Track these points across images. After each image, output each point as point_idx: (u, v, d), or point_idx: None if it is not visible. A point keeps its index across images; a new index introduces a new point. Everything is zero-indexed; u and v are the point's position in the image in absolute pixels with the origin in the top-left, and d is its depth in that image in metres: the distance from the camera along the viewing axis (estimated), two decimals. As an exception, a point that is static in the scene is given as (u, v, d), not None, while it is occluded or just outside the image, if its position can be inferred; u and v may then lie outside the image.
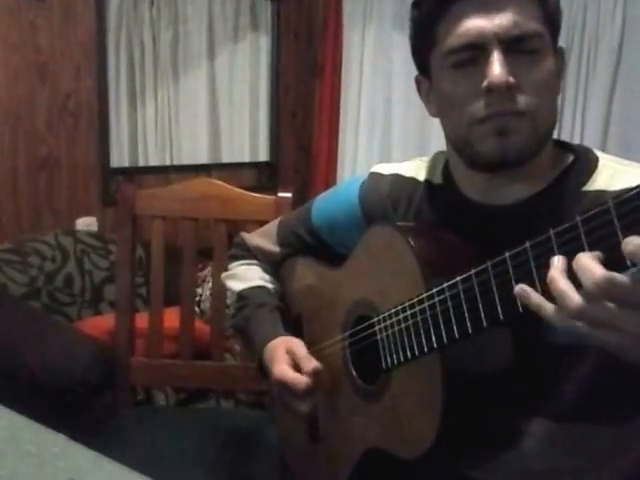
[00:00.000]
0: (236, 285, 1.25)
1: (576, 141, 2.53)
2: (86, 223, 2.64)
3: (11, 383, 1.65)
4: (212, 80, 3.00)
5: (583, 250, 0.61)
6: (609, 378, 0.78)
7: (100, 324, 2.15)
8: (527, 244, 0.67)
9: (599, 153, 0.90)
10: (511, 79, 0.80)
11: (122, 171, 2.75)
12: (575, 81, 2.52)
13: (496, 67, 0.80)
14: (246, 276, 1.26)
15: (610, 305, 0.60)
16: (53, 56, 2.49)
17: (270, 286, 1.25)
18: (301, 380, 1.00)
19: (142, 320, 1.71)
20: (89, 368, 1.75)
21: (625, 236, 0.57)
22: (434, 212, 0.96)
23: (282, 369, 1.03)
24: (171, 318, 1.73)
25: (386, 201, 1.02)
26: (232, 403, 2.12)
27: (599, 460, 0.87)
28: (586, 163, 0.88)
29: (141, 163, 2.83)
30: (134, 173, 2.79)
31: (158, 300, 1.68)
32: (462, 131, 0.86)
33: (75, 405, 1.74)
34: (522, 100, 0.82)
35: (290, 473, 1.36)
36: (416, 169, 1.02)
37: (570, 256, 0.62)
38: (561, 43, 2.61)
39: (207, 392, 2.11)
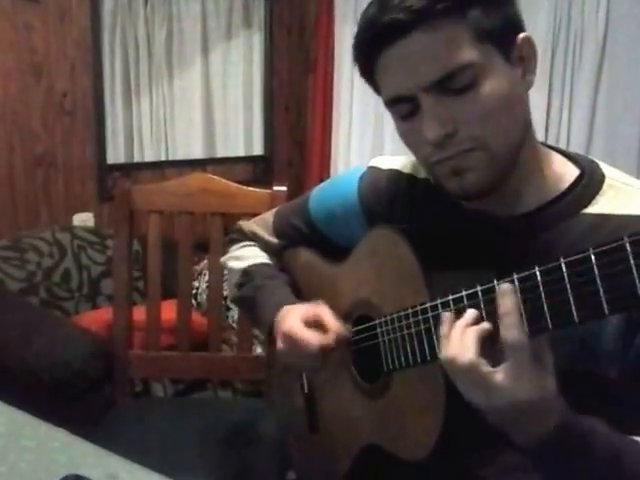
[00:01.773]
0: (239, 264, 1.21)
1: (563, 133, 2.55)
2: (83, 219, 2.65)
3: (9, 378, 1.66)
4: (206, 76, 3.01)
5: (594, 283, 0.61)
6: (599, 402, 0.77)
7: (98, 318, 2.16)
8: (536, 269, 0.66)
9: (606, 169, 0.85)
10: (444, 130, 0.78)
11: (118, 167, 2.75)
12: (561, 74, 2.53)
13: (427, 122, 0.78)
14: (249, 255, 1.23)
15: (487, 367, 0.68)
16: (48, 56, 2.49)
17: (272, 264, 1.22)
18: (313, 340, 0.96)
19: (140, 313, 1.71)
20: (87, 362, 1.75)
21: None
22: (430, 212, 0.94)
23: (294, 323, 0.99)
24: (168, 311, 1.73)
25: (385, 197, 1.00)
26: (230, 393, 2.13)
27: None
28: (591, 182, 0.83)
29: (137, 159, 2.83)
30: (130, 169, 2.80)
31: (155, 293, 1.68)
32: (425, 168, 0.87)
33: (74, 399, 1.75)
34: (467, 138, 0.78)
35: (289, 461, 1.36)
36: (415, 166, 0.99)
37: (578, 288, 0.62)
38: (547, 38, 2.62)
39: (205, 383, 2.12)
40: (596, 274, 0.60)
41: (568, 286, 0.63)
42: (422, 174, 0.98)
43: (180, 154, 2.96)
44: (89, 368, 1.75)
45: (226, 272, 1.32)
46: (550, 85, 2.55)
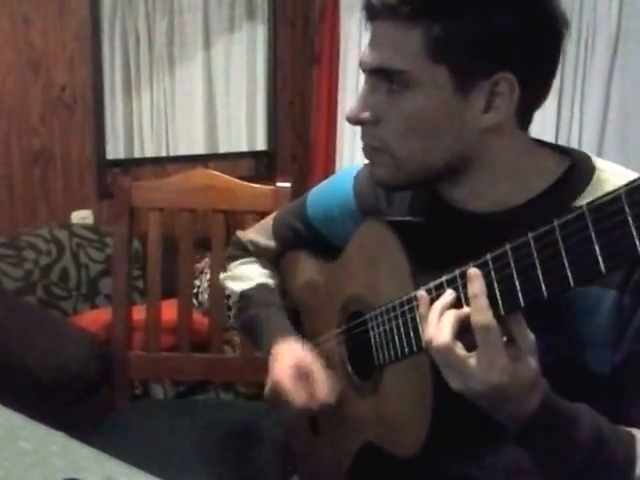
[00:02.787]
0: (237, 286, 1.23)
1: (574, 133, 2.53)
2: (81, 216, 2.63)
3: (7, 380, 1.64)
4: (208, 70, 2.99)
5: (560, 255, 0.62)
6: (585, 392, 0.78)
7: (97, 318, 2.15)
8: (507, 246, 0.68)
9: (598, 162, 0.85)
10: (361, 114, 0.83)
11: (118, 163, 2.74)
12: (573, 72, 2.51)
13: (356, 100, 0.84)
14: (246, 275, 1.24)
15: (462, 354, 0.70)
16: (46, 48, 2.48)
17: (271, 282, 1.23)
18: (298, 399, 0.99)
19: (140, 313, 1.71)
20: (86, 363, 1.74)
21: (600, 243, 0.59)
22: (422, 208, 0.95)
23: (284, 373, 1.01)
24: (169, 310, 1.73)
25: (380, 194, 1.00)
26: (231, 395, 2.12)
27: None
28: (581, 174, 0.83)
29: (137, 155, 2.81)
30: (130, 165, 2.78)
31: (155, 292, 1.67)
32: None
33: (72, 401, 1.74)
34: (379, 136, 0.83)
35: (291, 464, 1.35)
36: None
37: (545, 261, 0.64)
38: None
39: (206, 384, 2.11)
40: (560, 245, 0.62)
41: (536, 260, 0.65)
42: None
43: (181, 149, 2.95)
44: (88, 370, 1.75)
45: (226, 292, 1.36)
46: (561, 84, 2.53)
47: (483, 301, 0.68)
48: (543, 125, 2.47)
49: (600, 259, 0.59)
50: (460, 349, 0.70)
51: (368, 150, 0.86)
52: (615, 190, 0.58)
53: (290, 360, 1.03)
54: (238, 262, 1.27)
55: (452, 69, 0.77)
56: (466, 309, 0.71)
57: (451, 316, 0.71)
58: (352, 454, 1.01)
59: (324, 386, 0.99)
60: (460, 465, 0.90)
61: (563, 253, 0.62)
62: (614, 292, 0.78)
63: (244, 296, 1.20)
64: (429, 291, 0.76)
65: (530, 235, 0.65)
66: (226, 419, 1.60)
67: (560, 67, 2.63)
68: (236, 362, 1.70)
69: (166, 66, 2.84)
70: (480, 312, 0.68)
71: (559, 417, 0.72)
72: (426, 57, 0.77)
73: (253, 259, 1.27)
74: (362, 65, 0.84)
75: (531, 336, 0.70)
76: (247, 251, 1.27)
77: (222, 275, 1.30)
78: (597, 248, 0.59)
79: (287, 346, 1.06)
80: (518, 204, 0.84)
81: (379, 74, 0.81)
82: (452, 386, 0.72)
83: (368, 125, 0.83)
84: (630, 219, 0.56)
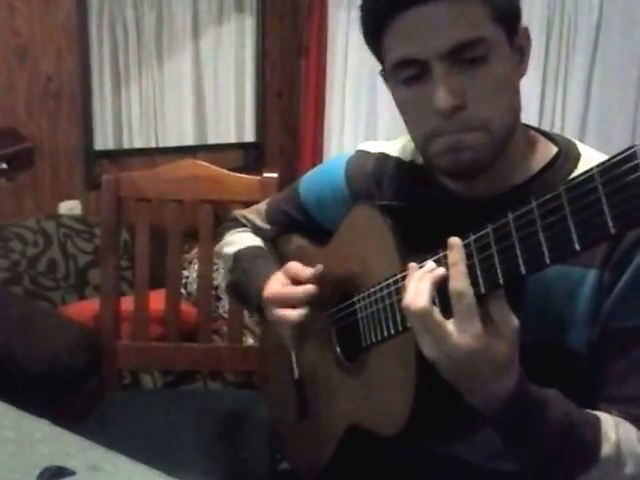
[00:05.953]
0: (231, 249, 1.23)
1: (557, 121, 2.54)
2: (69, 207, 2.62)
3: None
4: (197, 61, 2.98)
5: (537, 233, 0.63)
6: (561, 374, 0.80)
7: (85, 309, 2.13)
8: (489, 227, 0.69)
9: (583, 149, 0.88)
10: (455, 101, 0.78)
11: (106, 154, 2.72)
12: (556, 60, 2.52)
13: (438, 90, 0.78)
14: (240, 240, 1.25)
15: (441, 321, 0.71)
16: (33, 39, 2.45)
17: (263, 246, 1.24)
18: (296, 290, 1.00)
19: (128, 303, 1.70)
20: (74, 353, 1.74)
21: (575, 220, 0.60)
22: (414, 194, 0.96)
23: (276, 284, 1.03)
24: (158, 301, 1.72)
25: (371, 180, 1.02)
26: (220, 384, 2.12)
27: None
28: (566, 162, 0.86)
29: (125, 145, 2.80)
30: (118, 156, 2.77)
31: (144, 283, 1.66)
32: (420, 144, 0.87)
33: (61, 391, 1.74)
34: (472, 115, 0.80)
35: (280, 451, 1.36)
36: (402, 149, 1.02)
37: (526, 240, 0.65)
38: (541, 24, 2.61)
39: (195, 374, 2.11)
40: (538, 224, 0.64)
41: (515, 239, 0.66)
42: (408, 157, 1.00)
43: (170, 141, 2.93)
44: (76, 360, 1.74)
45: (218, 260, 1.34)
46: (544, 72, 2.54)
47: (461, 268, 0.70)
48: (526, 111, 2.48)
49: (575, 237, 0.60)
50: (437, 313, 0.71)
51: (459, 136, 0.81)
52: (589, 170, 0.59)
53: (277, 277, 1.05)
54: (233, 231, 1.28)
55: (506, 28, 0.81)
56: (441, 270, 0.73)
57: (428, 281, 0.72)
58: (338, 436, 1.02)
59: (304, 270, 1.01)
60: (445, 444, 0.92)
61: (540, 231, 0.63)
62: (595, 271, 0.80)
63: (237, 257, 1.20)
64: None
65: (510, 215, 0.67)
66: (215, 408, 1.60)
67: (543, 54, 2.63)
68: (224, 351, 1.70)
69: (154, 57, 2.82)
70: (457, 279, 0.69)
71: (532, 405, 0.73)
72: (492, 21, 0.79)
73: (248, 229, 1.28)
74: (423, 54, 0.79)
75: (514, 322, 0.70)
76: (242, 223, 1.29)
77: (217, 245, 1.30)
78: (572, 226, 0.60)
79: (273, 275, 1.07)
80: (509, 188, 0.86)
81: (454, 54, 0.78)
82: (426, 354, 0.73)
83: (459, 109, 0.79)
84: (603, 197, 0.58)
